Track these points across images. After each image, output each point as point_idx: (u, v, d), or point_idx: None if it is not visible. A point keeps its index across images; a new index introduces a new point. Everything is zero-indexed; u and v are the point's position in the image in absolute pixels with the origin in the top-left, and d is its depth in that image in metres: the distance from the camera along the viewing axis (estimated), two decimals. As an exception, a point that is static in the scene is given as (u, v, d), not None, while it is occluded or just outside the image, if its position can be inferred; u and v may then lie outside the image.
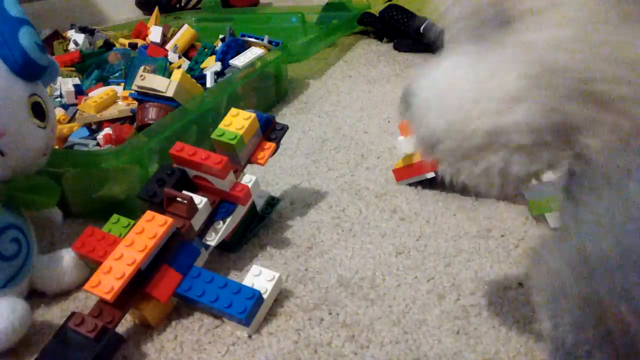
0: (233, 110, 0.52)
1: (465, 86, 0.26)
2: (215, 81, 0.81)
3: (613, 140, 0.23)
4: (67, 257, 0.48)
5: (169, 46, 0.98)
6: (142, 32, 1.10)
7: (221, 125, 0.51)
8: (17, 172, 0.46)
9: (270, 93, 0.91)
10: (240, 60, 0.83)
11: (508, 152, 0.25)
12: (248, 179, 0.52)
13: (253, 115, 0.51)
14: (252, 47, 0.88)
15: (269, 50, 0.88)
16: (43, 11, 1.43)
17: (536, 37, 0.24)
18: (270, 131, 0.55)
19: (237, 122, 0.51)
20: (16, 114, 0.44)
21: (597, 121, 0.23)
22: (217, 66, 0.84)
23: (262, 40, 0.90)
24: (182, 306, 0.46)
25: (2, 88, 0.43)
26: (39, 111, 0.46)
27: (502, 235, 0.52)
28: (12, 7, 0.45)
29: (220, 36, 0.96)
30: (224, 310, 0.42)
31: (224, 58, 0.85)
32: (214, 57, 0.88)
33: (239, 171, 0.51)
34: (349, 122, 0.81)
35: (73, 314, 0.40)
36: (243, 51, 0.87)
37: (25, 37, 0.44)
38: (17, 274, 0.45)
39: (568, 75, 0.23)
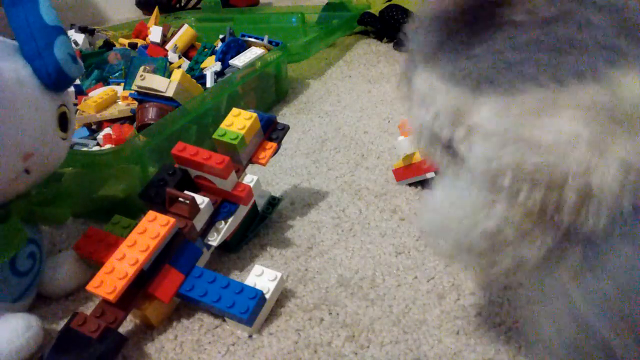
0: (234, 110, 0.52)
1: (451, 210, 0.30)
2: (215, 81, 0.81)
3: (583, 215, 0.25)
4: (69, 260, 0.48)
5: (169, 46, 0.98)
6: (142, 32, 1.10)
7: (223, 125, 0.51)
8: (36, 184, 0.45)
9: (270, 93, 0.91)
10: (240, 60, 0.83)
11: (512, 246, 0.28)
12: (249, 178, 0.52)
13: (254, 115, 0.51)
14: (252, 47, 0.88)
15: (269, 50, 0.88)
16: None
17: (472, 159, 0.28)
18: (271, 131, 0.55)
19: (239, 122, 0.51)
20: (45, 132, 0.42)
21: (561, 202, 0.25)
22: (217, 66, 0.84)
23: (262, 40, 0.90)
24: (182, 306, 0.46)
25: (34, 107, 0.40)
26: (63, 122, 0.44)
27: (502, 235, 0.52)
28: (48, 13, 0.42)
29: (220, 36, 0.96)
30: (227, 310, 0.42)
31: (224, 58, 0.85)
32: (214, 57, 0.88)
33: (240, 171, 0.51)
34: (349, 122, 0.81)
35: (76, 314, 0.40)
36: (243, 51, 0.87)
37: (59, 49, 0.41)
38: (30, 286, 0.45)
39: (505, 173, 0.26)
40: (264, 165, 0.53)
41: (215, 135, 0.50)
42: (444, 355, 0.40)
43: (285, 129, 0.56)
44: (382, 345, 0.41)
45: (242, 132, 0.50)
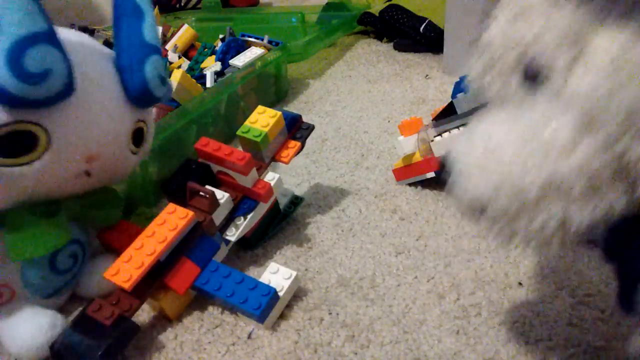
0: (259, 108, 0.52)
1: (510, 144, 0.26)
2: (215, 81, 0.81)
3: None
4: (106, 266, 0.47)
5: (168, 46, 0.98)
6: (142, 32, 1.10)
7: (247, 122, 0.51)
8: (93, 189, 0.45)
9: (270, 93, 0.91)
10: (240, 60, 0.83)
11: (567, 201, 0.25)
12: (271, 176, 0.52)
13: (279, 113, 0.52)
14: (252, 47, 0.88)
15: (269, 50, 0.88)
16: (43, 11, 1.42)
17: (578, 86, 0.24)
18: (296, 130, 0.55)
19: (263, 119, 0.51)
20: (115, 141, 0.42)
21: None
22: (217, 66, 0.84)
23: (262, 40, 0.90)
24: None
25: (108, 113, 0.41)
26: (138, 137, 0.45)
27: (502, 235, 0.52)
28: (149, 31, 0.43)
29: (220, 36, 0.96)
30: (239, 306, 0.42)
31: (224, 58, 0.85)
32: (214, 57, 0.88)
33: (262, 169, 0.52)
34: (349, 122, 0.81)
35: (93, 300, 0.41)
36: (243, 51, 0.87)
37: (150, 67, 0.43)
38: (65, 286, 0.44)
39: (617, 114, 0.23)
40: (286, 163, 0.54)
41: (239, 132, 0.50)
42: (444, 355, 0.40)
43: (310, 128, 0.56)
44: (382, 345, 0.41)
45: (266, 129, 0.50)
